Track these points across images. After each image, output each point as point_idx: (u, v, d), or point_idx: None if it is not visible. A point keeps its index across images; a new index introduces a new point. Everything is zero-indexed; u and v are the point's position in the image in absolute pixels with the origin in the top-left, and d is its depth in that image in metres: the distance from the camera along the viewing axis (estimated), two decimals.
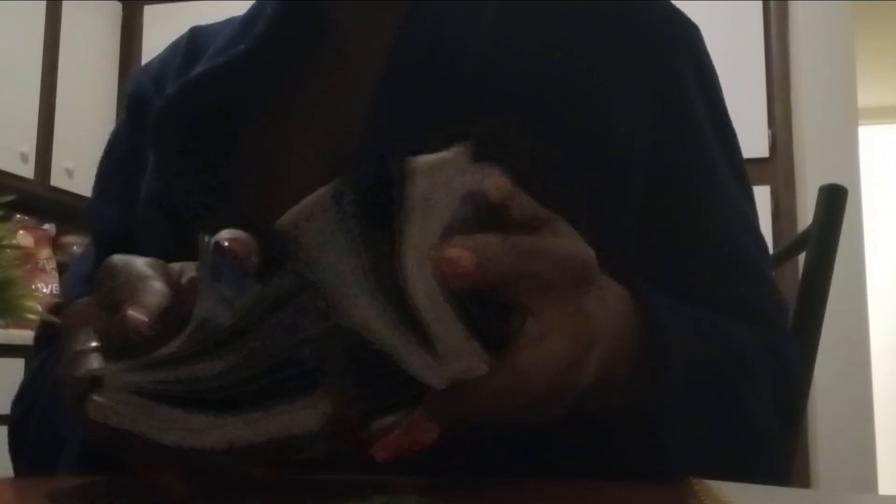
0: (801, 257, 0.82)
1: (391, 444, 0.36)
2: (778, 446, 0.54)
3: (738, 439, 0.51)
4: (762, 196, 2.81)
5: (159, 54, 0.71)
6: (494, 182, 0.38)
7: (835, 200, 0.79)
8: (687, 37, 0.63)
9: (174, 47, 0.70)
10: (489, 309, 0.36)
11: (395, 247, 0.35)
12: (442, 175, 0.36)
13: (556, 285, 0.37)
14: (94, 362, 0.40)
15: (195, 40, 0.69)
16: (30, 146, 3.04)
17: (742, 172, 0.63)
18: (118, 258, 0.43)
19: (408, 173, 0.36)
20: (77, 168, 3.18)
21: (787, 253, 0.92)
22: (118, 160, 0.68)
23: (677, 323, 0.48)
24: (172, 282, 0.41)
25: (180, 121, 0.60)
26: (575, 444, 0.46)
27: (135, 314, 0.37)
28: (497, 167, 0.38)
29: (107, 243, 0.65)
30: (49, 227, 3.16)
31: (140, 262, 0.42)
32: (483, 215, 0.37)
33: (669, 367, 0.46)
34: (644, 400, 0.46)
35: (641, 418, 0.46)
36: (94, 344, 0.41)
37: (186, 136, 0.60)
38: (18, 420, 0.60)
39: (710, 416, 0.49)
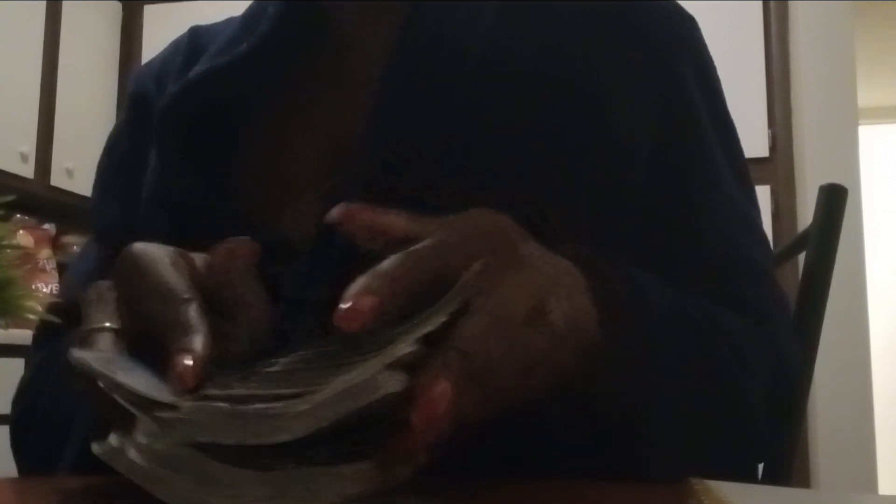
0: (801, 257, 0.82)
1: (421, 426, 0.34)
2: (768, 427, 0.54)
3: (721, 409, 0.50)
4: (762, 196, 2.78)
5: (160, 53, 0.71)
6: (390, 220, 0.40)
7: (835, 200, 0.79)
8: (687, 35, 0.63)
9: (175, 46, 0.70)
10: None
11: None
12: None
13: (479, 258, 0.38)
14: (107, 342, 0.40)
15: (196, 40, 0.69)
16: (30, 146, 3.04)
17: (743, 171, 0.63)
18: (140, 250, 0.43)
19: None
20: (77, 168, 3.18)
21: (787, 253, 0.92)
22: (119, 159, 0.68)
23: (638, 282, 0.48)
24: (197, 278, 0.42)
25: (182, 120, 0.60)
26: (569, 440, 0.45)
27: (184, 365, 0.37)
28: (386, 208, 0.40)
29: (109, 242, 0.65)
30: (49, 227, 3.16)
31: (168, 268, 0.42)
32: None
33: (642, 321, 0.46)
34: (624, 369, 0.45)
35: (628, 397, 0.46)
36: (108, 325, 0.41)
37: (188, 135, 0.60)
38: (20, 418, 0.60)
39: (687, 393, 0.48)
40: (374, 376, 0.33)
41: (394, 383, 0.33)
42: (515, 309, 0.37)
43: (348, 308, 0.34)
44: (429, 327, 0.35)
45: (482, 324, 0.35)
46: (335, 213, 0.41)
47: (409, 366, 0.34)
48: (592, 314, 0.43)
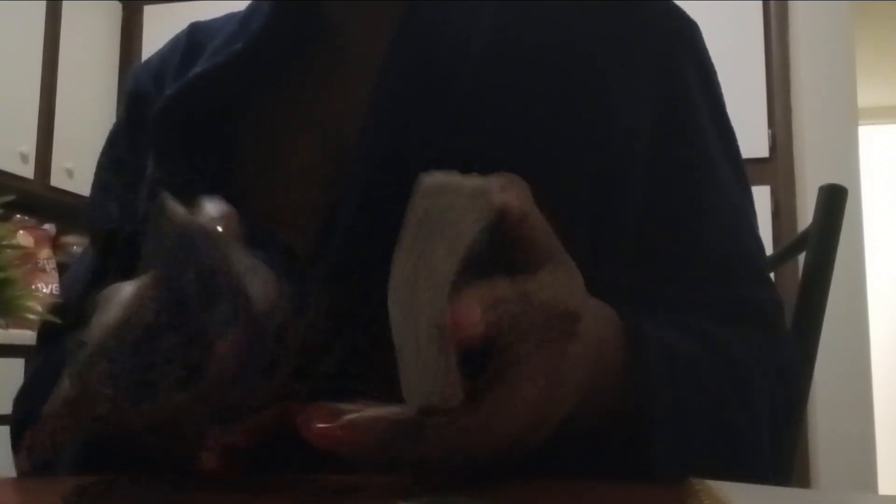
0: (801, 257, 0.82)
1: (327, 430, 0.35)
2: (770, 462, 0.54)
3: (729, 460, 0.50)
4: (762, 196, 2.80)
5: (159, 50, 0.71)
6: (515, 196, 0.37)
7: (835, 200, 0.79)
8: (688, 34, 0.63)
9: (174, 44, 0.70)
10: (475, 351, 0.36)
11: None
12: (445, 199, 0.34)
13: (540, 331, 0.37)
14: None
15: (195, 37, 0.69)
16: (30, 146, 3.04)
17: (742, 172, 0.63)
18: (111, 288, 0.43)
19: (415, 191, 0.34)
20: (77, 168, 3.18)
21: (787, 253, 0.92)
22: (117, 158, 0.68)
23: (665, 349, 0.47)
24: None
25: (179, 121, 0.60)
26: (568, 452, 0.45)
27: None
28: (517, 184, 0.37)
29: (106, 242, 0.65)
30: (49, 227, 3.16)
31: (130, 287, 0.42)
32: (497, 238, 0.35)
33: (655, 395, 0.45)
34: (632, 425, 0.45)
35: (631, 439, 0.46)
36: None
37: (185, 136, 0.60)
38: (20, 421, 0.59)
39: (701, 438, 0.48)
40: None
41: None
42: (511, 419, 0.37)
43: (465, 315, 0.34)
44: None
45: (469, 431, 0.36)
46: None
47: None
48: (615, 393, 0.44)
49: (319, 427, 0.35)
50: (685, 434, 0.47)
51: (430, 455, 0.36)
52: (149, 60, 0.71)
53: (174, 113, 0.60)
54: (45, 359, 0.62)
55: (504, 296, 0.35)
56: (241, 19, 0.65)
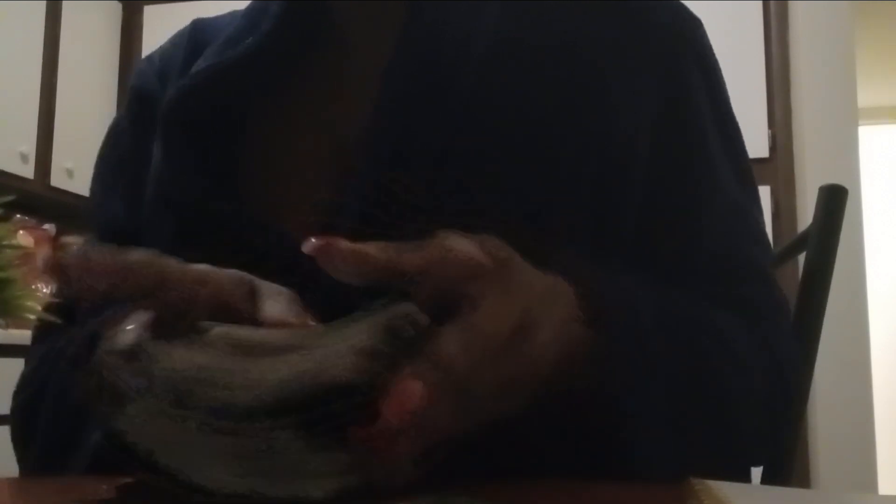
0: (801, 257, 0.82)
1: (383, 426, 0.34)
2: (762, 428, 0.53)
3: (712, 412, 0.50)
4: (762, 196, 2.78)
5: (160, 47, 0.71)
6: (369, 249, 0.38)
7: (835, 200, 0.79)
8: (692, 35, 0.62)
9: (176, 40, 0.70)
10: None
11: None
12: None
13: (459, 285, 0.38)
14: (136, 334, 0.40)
15: (197, 34, 0.69)
16: (30, 146, 3.04)
17: (746, 171, 0.63)
18: (173, 267, 0.42)
19: None
20: (77, 168, 3.18)
21: (787, 253, 0.92)
22: (121, 156, 0.67)
23: (624, 294, 0.48)
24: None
25: (186, 118, 0.60)
26: (556, 440, 0.45)
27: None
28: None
29: (111, 239, 0.65)
30: (49, 227, 3.16)
31: (226, 277, 0.42)
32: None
33: (623, 335, 0.46)
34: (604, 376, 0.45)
35: (609, 403, 0.45)
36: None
37: (192, 133, 0.60)
38: (24, 406, 0.59)
39: (679, 395, 0.48)
40: (341, 358, 0.34)
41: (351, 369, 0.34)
42: (501, 325, 0.37)
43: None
44: (408, 329, 0.36)
45: (463, 340, 0.36)
46: (311, 245, 0.37)
47: (379, 359, 0.35)
48: (580, 324, 0.43)
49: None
50: (664, 406, 0.47)
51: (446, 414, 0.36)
52: (151, 57, 0.71)
53: (182, 107, 0.60)
54: (49, 348, 0.62)
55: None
56: (246, 16, 0.65)
